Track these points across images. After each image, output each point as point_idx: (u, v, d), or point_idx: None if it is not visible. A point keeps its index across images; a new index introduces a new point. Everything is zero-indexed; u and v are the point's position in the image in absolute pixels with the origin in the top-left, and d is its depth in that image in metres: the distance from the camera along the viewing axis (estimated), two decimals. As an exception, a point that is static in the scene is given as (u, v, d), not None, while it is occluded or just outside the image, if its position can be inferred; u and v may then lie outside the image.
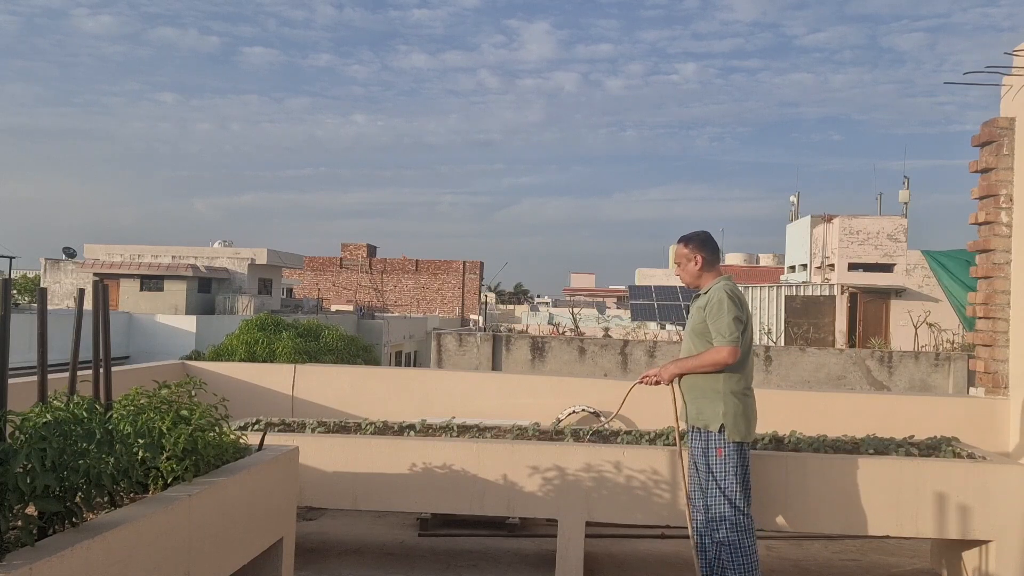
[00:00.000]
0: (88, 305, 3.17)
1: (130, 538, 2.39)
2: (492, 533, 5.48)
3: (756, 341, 17.80)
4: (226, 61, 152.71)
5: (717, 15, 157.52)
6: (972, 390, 6.50)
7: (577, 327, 21.13)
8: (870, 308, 23.07)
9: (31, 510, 2.24)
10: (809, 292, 24.09)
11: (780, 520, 4.44)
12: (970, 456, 4.62)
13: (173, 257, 30.22)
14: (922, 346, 17.59)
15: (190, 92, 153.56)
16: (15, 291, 34.14)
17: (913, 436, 4.93)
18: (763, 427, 4.67)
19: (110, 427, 2.64)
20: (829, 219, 26.03)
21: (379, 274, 47.53)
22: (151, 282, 28.54)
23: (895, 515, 4.37)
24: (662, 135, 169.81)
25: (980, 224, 5.72)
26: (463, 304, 46.67)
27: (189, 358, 7.81)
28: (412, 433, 4.94)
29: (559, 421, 5.60)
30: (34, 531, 2.15)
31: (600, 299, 59.14)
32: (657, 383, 4.24)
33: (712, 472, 4.01)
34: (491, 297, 59.02)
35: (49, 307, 3.12)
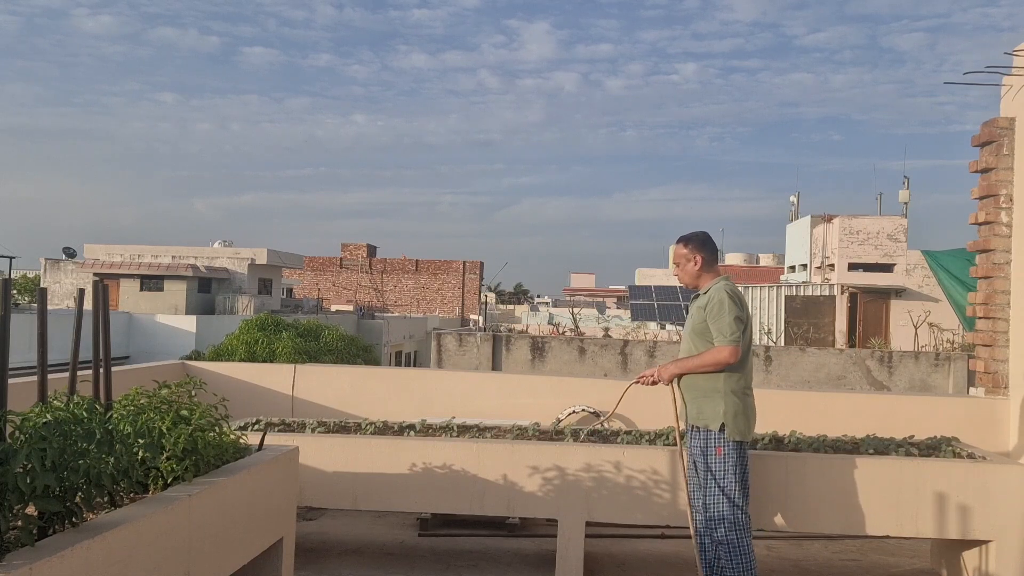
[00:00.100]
0: (88, 305, 3.17)
1: (130, 538, 2.39)
2: (492, 533, 5.48)
3: (756, 341, 17.83)
4: (226, 61, 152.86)
5: (717, 15, 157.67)
6: (972, 390, 6.50)
7: (577, 327, 21.14)
8: (870, 308, 23.07)
9: (31, 510, 2.24)
10: (809, 292, 24.09)
11: (780, 520, 4.44)
12: (970, 456, 4.62)
13: (173, 257, 30.22)
14: (922, 346, 17.60)
15: (190, 92, 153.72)
16: (15, 291, 34.14)
17: (913, 436, 4.93)
18: (763, 427, 4.68)
19: (110, 427, 2.64)
20: (829, 219, 26.03)
21: (379, 274, 47.53)
22: (151, 282, 28.54)
23: (895, 515, 4.37)
24: (662, 135, 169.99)
25: (980, 224, 5.72)
26: (463, 304, 46.67)
27: (189, 358, 7.81)
28: (412, 433, 4.94)
29: (559, 421, 5.60)
30: (34, 531, 2.16)
31: (600, 299, 59.16)
32: (654, 383, 4.24)
33: (711, 471, 4.01)
34: (491, 297, 59.03)
35: (49, 307, 3.12)
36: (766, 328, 22.37)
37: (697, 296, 4.26)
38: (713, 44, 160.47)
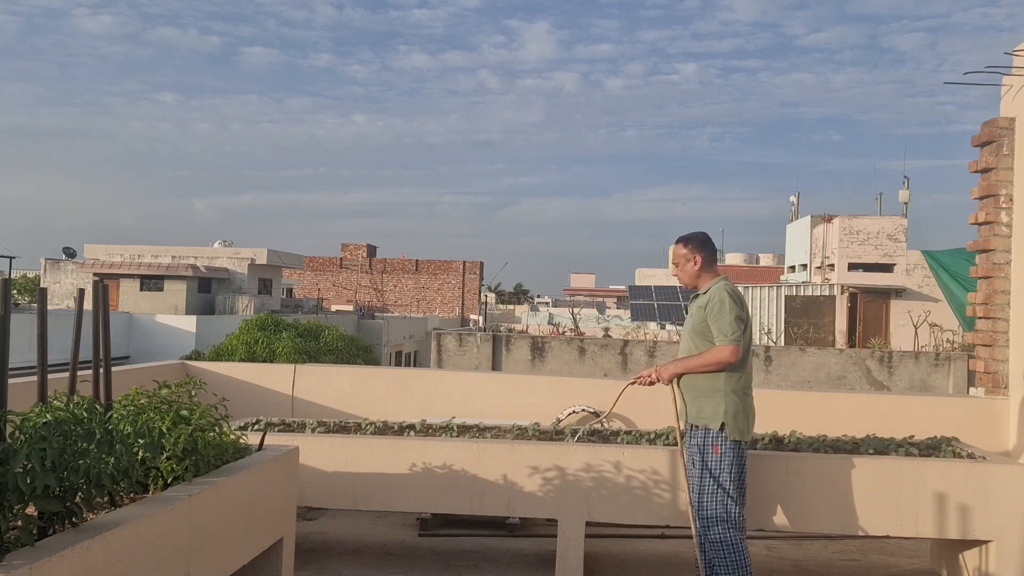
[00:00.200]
0: (88, 305, 3.17)
1: (130, 538, 2.39)
2: (492, 533, 5.48)
3: (756, 341, 17.81)
4: (226, 61, 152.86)
5: (717, 15, 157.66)
6: (972, 390, 6.50)
7: (577, 327, 21.14)
8: (870, 308, 23.07)
9: (31, 510, 2.24)
10: (809, 292, 24.09)
11: (780, 520, 4.44)
12: (970, 456, 4.62)
13: (173, 257, 30.22)
14: (922, 346, 17.60)
15: (190, 92, 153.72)
16: (15, 291, 34.14)
17: (913, 436, 4.93)
18: (763, 427, 4.68)
19: (110, 427, 2.64)
20: (829, 219, 26.02)
21: (379, 274, 47.53)
22: (151, 282, 28.54)
23: (895, 515, 4.37)
24: (662, 135, 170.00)
25: (980, 224, 5.72)
26: (463, 304, 46.67)
27: (189, 358, 7.81)
28: (412, 433, 4.94)
29: (559, 421, 5.60)
30: (34, 531, 2.16)
31: (600, 299, 59.15)
32: (651, 383, 4.25)
33: (709, 470, 4.02)
34: (491, 297, 59.03)
35: (49, 307, 3.12)
36: (766, 328, 22.37)
37: (696, 296, 4.26)
38: (713, 44, 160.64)
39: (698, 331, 4.14)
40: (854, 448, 4.73)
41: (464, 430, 5.00)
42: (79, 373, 3.12)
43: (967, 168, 5.86)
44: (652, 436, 4.91)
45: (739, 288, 4.29)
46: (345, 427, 5.17)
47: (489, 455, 4.55)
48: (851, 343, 21.81)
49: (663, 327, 25.74)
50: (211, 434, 3.13)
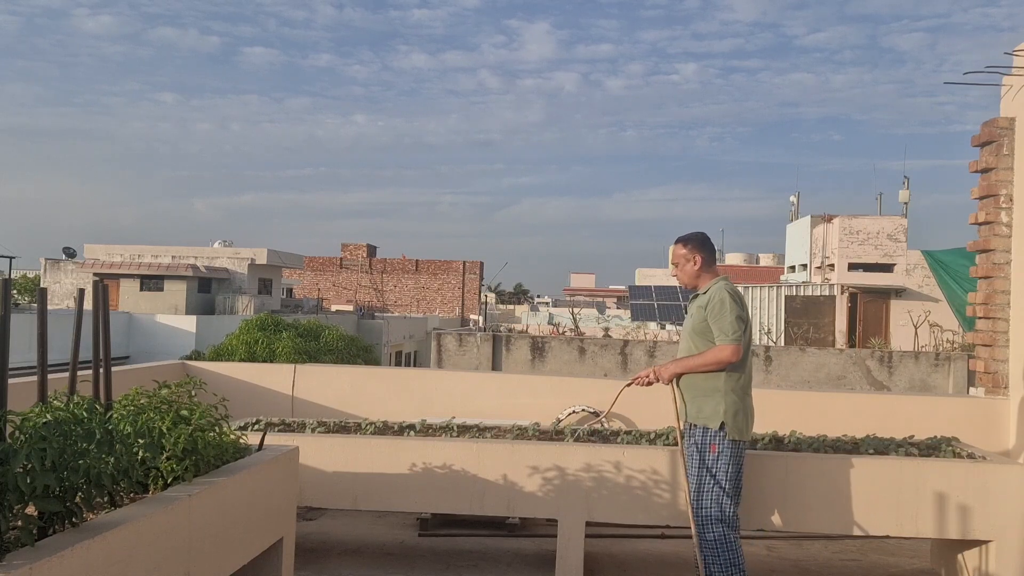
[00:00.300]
0: (88, 305, 3.17)
1: (130, 538, 2.39)
2: (492, 533, 5.48)
3: (756, 341, 17.79)
4: (226, 61, 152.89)
5: (717, 15, 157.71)
6: (972, 390, 6.50)
7: (577, 327, 21.14)
8: (870, 308, 23.07)
9: (31, 510, 2.24)
10: (809, 292, 24.09)
11: (780, 520, 4.44)
12: (970, 456, 4.62)
13: (173, 257, 30.22)
14: (922, 346, 17.59)
15: (190, 92, 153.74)
16: (15, 291, 34.14)
17: (913, 436, 4.93)
18: (763, 427, 4.68)
19: (110, 427, 2.64)
20: (829, 219, 26.02)
21: (379, 274, 47.53)
22: (151, 282, 28.54)
23: (895, 515, 4.37)
24: (662, 135, 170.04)
25: (980, 224, 5.72)
26: (463, 304, 46.67)
27: (189, 358, 7.81)
28: (412, 433, 4.94)
29: (559, 421, 5.60)
30: (34, 531, 2.15)
31: (600, 299, 59.14)
32: (650, 383, 4.25)
33: (707, 468, 4.02)
34: (491, 297, 59.02)
35: (49, 307, 3.12)
36: (766, 328, 22.36)
37: (696, 296, 4.26)
38: (713, 44, 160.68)
39: (698, 331, 4.14)
40: (854, 448, 4.73)
41: (464, 430, 5.00)
42: (79, 373, 3.12)
43: (967, 168, 5.86)
44: (652, 436, 4.91)
45: (739, 288, 4.29)
46: (345, 427, 5.17)
47: (489, 455, 4.55)
48: (851, 343, 21.80)
49: (663, 327, 25.75)
50: (211, 434, 3.13)
